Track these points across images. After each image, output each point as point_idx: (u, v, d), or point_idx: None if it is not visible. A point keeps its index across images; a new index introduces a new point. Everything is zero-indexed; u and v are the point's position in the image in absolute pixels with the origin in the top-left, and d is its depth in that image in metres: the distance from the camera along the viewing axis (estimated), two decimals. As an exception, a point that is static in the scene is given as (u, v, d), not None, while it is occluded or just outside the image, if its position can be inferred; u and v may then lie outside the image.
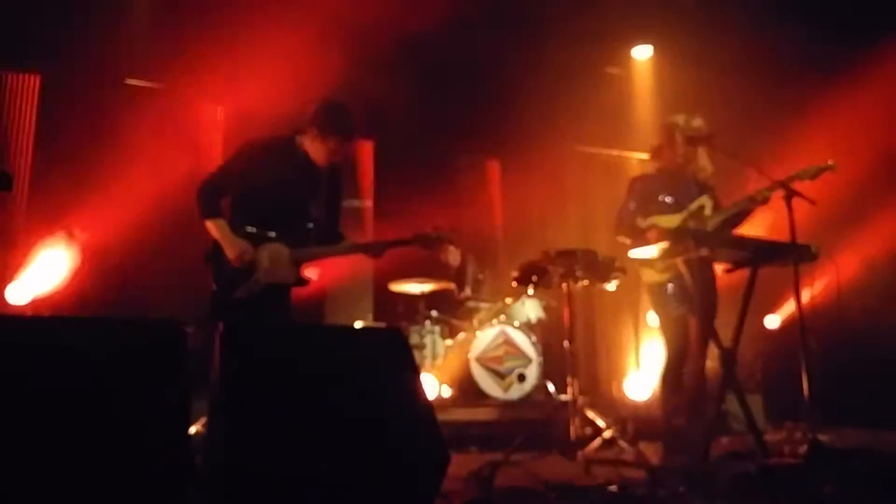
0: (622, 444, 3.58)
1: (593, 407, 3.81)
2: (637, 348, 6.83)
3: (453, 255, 7.35)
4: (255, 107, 6.27)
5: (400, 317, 6.76)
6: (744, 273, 3.73)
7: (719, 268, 4.05)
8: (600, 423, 3.69)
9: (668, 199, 4.10)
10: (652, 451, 3.65)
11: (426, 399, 2.45)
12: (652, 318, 6.66)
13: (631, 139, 7.63)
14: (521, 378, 6.03)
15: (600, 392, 6.28)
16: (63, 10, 5.91)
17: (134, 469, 1.95)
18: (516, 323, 6.26)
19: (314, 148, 3.67)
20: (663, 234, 3.74)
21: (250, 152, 3.67)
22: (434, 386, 5.94)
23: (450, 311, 6.79)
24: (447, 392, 6.08)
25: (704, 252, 3.74)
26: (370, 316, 7.74)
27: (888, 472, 3.00)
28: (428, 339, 6.46)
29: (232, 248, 3.49)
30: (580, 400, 3.69)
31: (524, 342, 6.13)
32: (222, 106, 7.32)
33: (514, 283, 4.22)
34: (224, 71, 6.50)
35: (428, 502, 2.27)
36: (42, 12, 5.88)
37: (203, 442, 2.44)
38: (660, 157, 4.24)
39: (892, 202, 6.05)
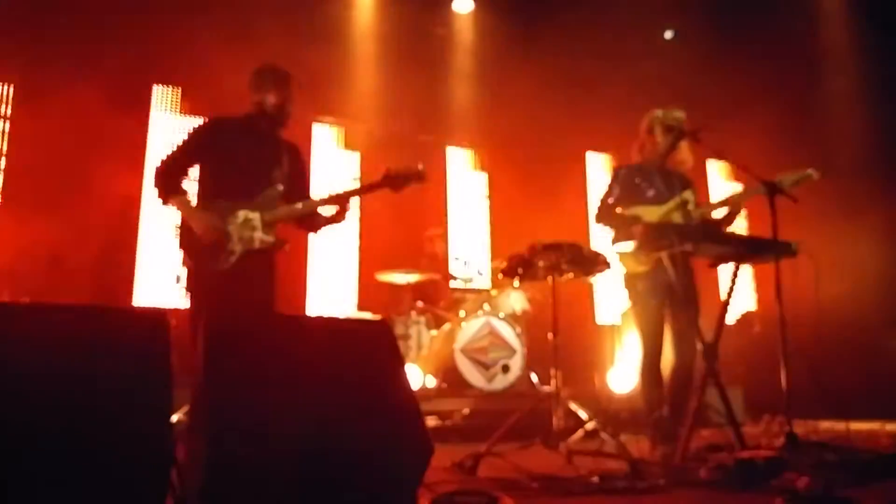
0: (604, 435, 3.62)
1: (576, 399, 3.85)
2: (620, 341, 6.89)
3: (440, 246, 7.38)
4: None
5: (385, 307, 6.78)
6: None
7: (703, 263, 4.09)
8: (583, 414, 3.72)
9: (651, 192, 4.12)
10: (633, 443, 3.69)
11: (410, 390, 2.46)
12: (625, 312, 6.75)
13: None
14: (506, 369, 6.07)
15: (583, 384, 6.33)
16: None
17: (116, 457, 1.95)
18: (501, 314, 6.30)
19: (263, 112, 3.72)
20: (647, 228, 3.77)
21: (204, 128, 3.78)
22: (419, 376, 5.97)
23: (435, 301, 6.82)
24: (432, 382, 6.12)
25: (688, 247, 3.78)
26: (355, 306, 7.76)
27: (861, 464, 3.07)
28: (413, 330, 6.49)
29: (199, 222, 3.51)
30: (563, 392, 3.73)
31: (509, 334, 6.17)
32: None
33: (500, 276, 4.24)
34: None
35: (411, 492, 2.29)
36: None
37: (185, 431, 2.44)
38: (641, 151, 4.27)
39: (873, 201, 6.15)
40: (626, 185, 4.17)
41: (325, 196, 3.75)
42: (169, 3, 6.67)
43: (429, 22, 8.03)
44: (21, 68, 6.44)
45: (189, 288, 3.60)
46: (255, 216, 3.59)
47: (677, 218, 4.03)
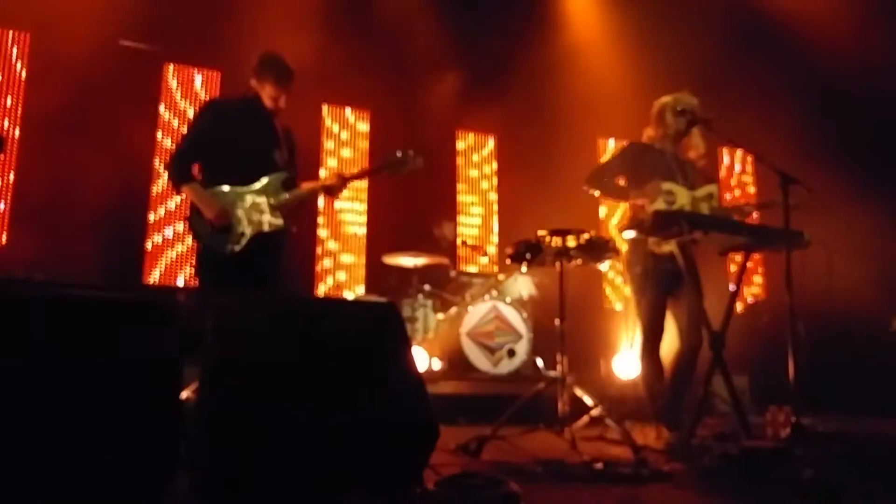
0: (609, 422, 3.62)
1: (581, 385, 3.84)
2: (628, 328, 6.88)
3: (449, 229, 7.38)
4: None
5: (393, 290, 6.79)
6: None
7: (711, 251, 4.07)
8: (588, 400, 3.72)
9: (660, 170, 4.08)
10: (638, 430, 3.70)
11: (417, 372, 2.46)
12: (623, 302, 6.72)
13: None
14: (511, 354, 6.07)
15: (589, 370, 6.33)
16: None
17: (128, 432, 1.96)
18: (508, 299, 6.29)
19: (263, 97, 3.79)
20: (658, 215, 3.75)
21: (210, 113, 3.82)
22: (425, 359, 5.98)
23: (442, 285, 6.82)
24: (437, 365, 6.13)
25: (698, 235, 3.76)
26: (363, 288, 7.77)
27: (868, 458, 3.06)
28: (420, 313, 6.50)
29: (209, 207, 3.60)
30: (569, 377, 3.73)
31: (515, 318, 6.17)
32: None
33: (508, 260, 4.23)
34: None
35: (417, 474, 2.29)
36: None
37: (194, 408, 2.45)
38: (652, 137, 4.24)
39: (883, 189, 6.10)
40: (634, 159, 4.13)
41: (330, 180, 3.87)
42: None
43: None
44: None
45: (199, 270, 3.69)
46: (262, 200, 3.68)
47: (704, 208, 4.01)
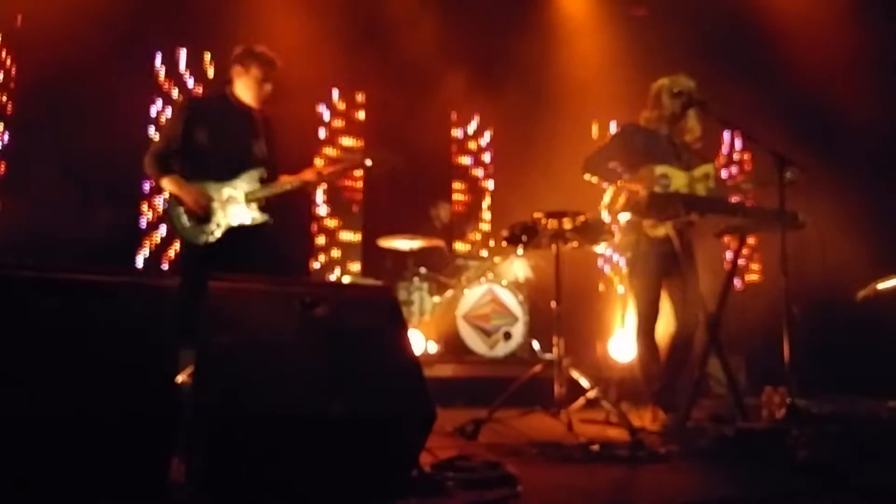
0: (605, 404, 3.63)
1: (578, 367, 3.85)
2: (623, 310, 6.89)
3: (444, 210, 7.38)
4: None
5: (389, 273, 6.78)
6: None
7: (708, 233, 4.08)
8: (584, 383, 3.73)
9: (656, 152, 4.07)
10: (634, 412, 3.71)
11: (413, 355, 2.46)
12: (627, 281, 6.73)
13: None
14: (507, 336, 6.08)
15: (585, 352, 6.34)
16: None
17: (124, 416, 1.96)
18: (504, 282, 6.29)
19: (244, 88, 3.88)
20: (653, 197, 3.74)
21: (188, 110, 3.88)
22: (421, 342, 5.99)
23: (438, 268, 6.81)
24: (434, 348, 6.14)
25: (694, 217, 3.76)
26: (359, 271, 7.77)
27: (862, 438, 3.08)
28: (416, 296, 6.49)
29: (188, 195, 3.70)
30: (565, 360, 3.73)
31: (511, 301, 6.17)
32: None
33: (504, 243, 4.22)
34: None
35: (413, 457, 2.29)
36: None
37: (189, 392, 2.45)
38: (648, 120, 4.23)
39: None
40: (628, 142, 4.12)
41: (306, 177, 3.94)
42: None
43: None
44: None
45: (179, 261, 3.73)
46: (238, 194, 3.79)
47: (701, 189, 4.00)
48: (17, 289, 2.02)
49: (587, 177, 4.16)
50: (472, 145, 8.74)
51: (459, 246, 7.63)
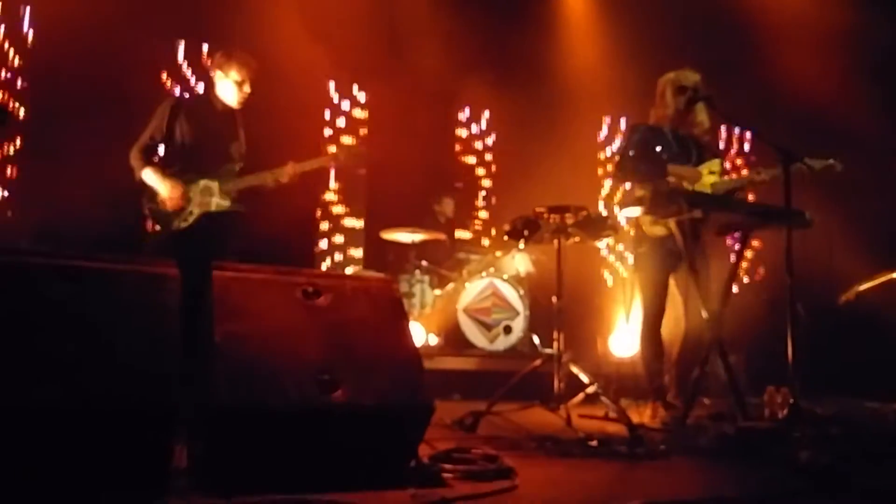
0: (604, 399, 3.61)
1: (577, 362, 3.83)
2: (625, 306, 6.88)
3: (448, 206, 7.37)
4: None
5: (390, 265, 6.77)
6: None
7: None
8: (584, 378, 3.71)
9: (664, 155, 4.07)
10: (634, 409, 3.69)
11: (414, 347, 2.45)
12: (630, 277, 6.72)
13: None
14: (508, 330, 6.07)
15: (586, 348, 6.33)
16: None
17: (128, 403, 1.95)
18: (505, 276, 6.28)
19: (224, 90, 4.10)
20: (656, 194, 3.72)
21: (169, 109, 4.08)
22: (421, 334, 5.98)
23: (440, 261, 6.80)
24: (434, 341, 6.13)
25: (697, 214, 3.73)
26: (361, 264, 7.76)
27: (865, 440, 3.06)
28: (417, 289, 6.49)
29: (164, 186, 3.93)
30: (565, 355, 3.71)
31: (512, 295, 6.16)
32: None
33: (505, 237, 4.20)
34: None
35: (412, 448, 2.28)
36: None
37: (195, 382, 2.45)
38: (655, 115, 4.22)
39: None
40: (642, 142, 4.11)
41: (279, 173, 4.09)
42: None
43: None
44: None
45: (154, 247, 3.98)
46: (213, 185, 4.02)
47: (705, 186, 3.99)
48: (26, 274, 2.03)
49: (622, 183, 4.17)
50: (477, 145, 8.73)
51: (463, 234, 7.60)
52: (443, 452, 2.47)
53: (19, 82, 6.35)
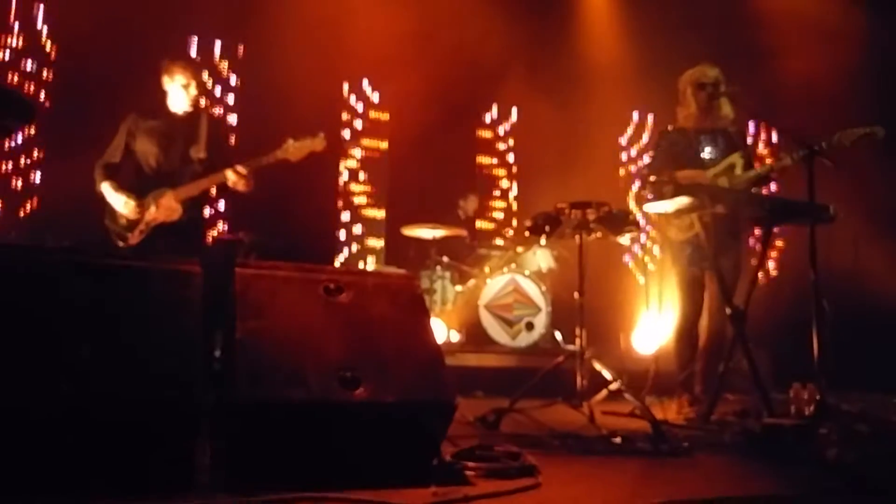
0: (628, 396, 3.59)
1: (600, 359, 3.81)
2: (647, 302, 6.83)
3: (472, 203, 7.38)
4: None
5: (411, 261, 6.78)
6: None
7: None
8: (607, 375, 3.69)
9: (698, 153, 4.09)
10: (657, 406, 3.67)
11: (436, 344, 2.45)
12: (654, 273, 6.70)
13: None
14: (530, 327, 6.06)
15: (608, 344, 6.30)
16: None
17: (152, 400, 1.98)
18: (527, 272, 6.27)
19: (174, 97, 4.11)
20: (678, 189, 3.70)
21: (127, 127, 4.12)
22: (443, 331, 5.99)
23: (461, 257, 6.80)
24: (456, 337, 6.13)
25: (720, 209, 3.70)
26: (382, 259, 7.79)
27: (894, 437, 3.01)
28: (438, 285, 6.50)
29: (118, 201, 3.96)
30: (587, 351, 3.70)
31: (534, 291, 6.15)
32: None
33: (527, 233, 4.19)
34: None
35: (435, 445, 2.29)
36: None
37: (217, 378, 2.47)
38: (680, 115, 4.23)
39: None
40: (669, 149, 4.14)
41: (226, 170, 4.00)
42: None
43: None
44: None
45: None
46: (168, 192, 3.99)
47: (724, 182, 3.97)
48: (48, 271, 2.07)
49: (649, 194, 4.16)
50: (500, 145, 8.73)
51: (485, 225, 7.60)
52: (465, 450, 2.46)
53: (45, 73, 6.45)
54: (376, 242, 7.92)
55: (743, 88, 3.98)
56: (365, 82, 8.07)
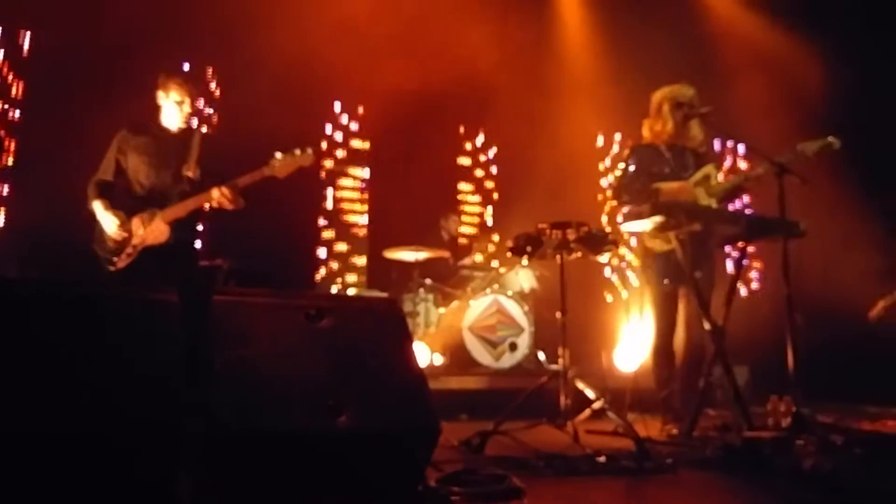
0: (611, 415, 3.63)
1: (583, 378, 3.85)
2: (628, 319, 6.89)
3: (454, 224, 7.41)
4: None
5: (394, 284, 6.80)
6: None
7: None
8: (590, 393, 3.73)
9: (665, 170, 4.15)
10: (640, 423, 3.71)
11: (419, 368, 2.46)
12: (634, 291, 6.75)
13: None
14: (513, 347, 6.09)
15: (591, 363, 6.34)
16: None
17: (131, 431, 1.97)
18: (509, 292, 6.30)
19: (168, 113, 4.08)
20: (655, 208, 3.76)
21: (117, 142, 4.07)
22: (426, 354, 5.99)
23: (443, 279, 6.83)
24: (439, 360, 6.14)
25: (697, 227, 3.77)
26: (364, 283, 7.80)
27: (869, 447, 3.07)
28: (421, 307, 6.51)
29: (107, 220, 3.89)
30: (570, 370, 3.73)
31: (517, 311, 6.18)
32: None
33: (509, 254, 4.24)
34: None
35: (420, 471, 2.30)
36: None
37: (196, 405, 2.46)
38: (652, 129, 4.28)
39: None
40: (641, 163, 4.19)
41: (213, 188, 3.92)
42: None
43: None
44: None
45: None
46: (156, 214, 3.91)
47: (700, 193, 4.04)
48: (24, 303, 2.05)
49: (622, 206, 4.23)
50: (479, 169, 8.83)
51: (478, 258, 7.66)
52: (451, 474, 2.48)
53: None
54: (359, 260, 7.93)
55: (715, 109, 4.05)
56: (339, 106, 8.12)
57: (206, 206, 4.04)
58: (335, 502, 2.05)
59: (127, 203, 3.96)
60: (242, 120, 6.39)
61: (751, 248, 5.16)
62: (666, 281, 4.06)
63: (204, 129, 5.23)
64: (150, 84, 4.42)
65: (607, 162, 8.88)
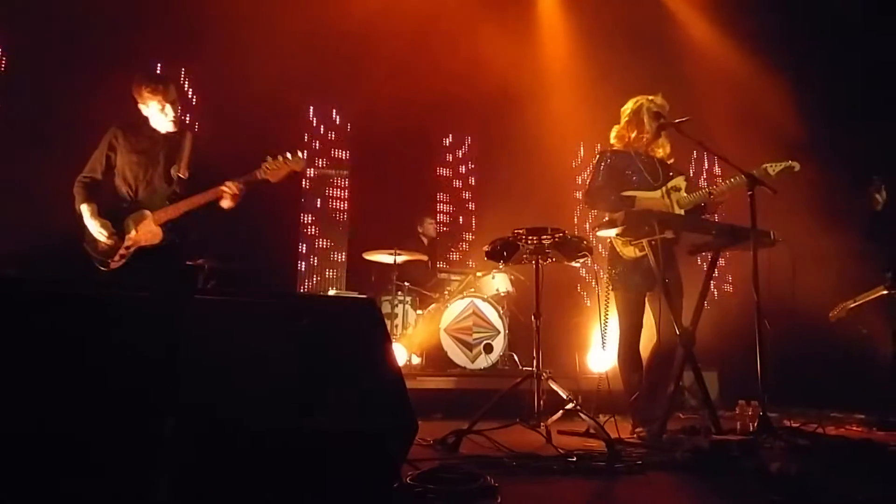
0: (583, 416, 3.69)
1: (556, 379, 3.92)
2: (601, 322, 6.97)
3: (430, 227, 7.46)
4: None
5: (373, 286, 6.83)
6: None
7: (681, 250, 4.19)
8: (563, 395, 3.80)
9: (634, 178, 4.20)
10: (611, 424, 3.77)
11: (396, 368, 2.49)
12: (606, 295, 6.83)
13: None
14: (488, 349, 6.15)
15: (564, 364, 6.42)
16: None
17: (113, 432, 1.98)
18: (486, 295, 6.36)
19: (153, 118, 4.04)
20: (629, 216, 3.84)
21: (108, 140, 4.04)
22: (404, 355, 6.04)
23: (422, 282, 6.88)
24: (416, 361, 6.19)
25: (669, 235, 3.85)
26: (343, 284, 7.82)
27: (832, 450, 3.16)
28: (399, 309, 6.55)
29: (94, 226, 3.85)
30: (544, 372, 3.80)
31: (492, 314, 6.25)
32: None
33: (485, 258, 4.30)
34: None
35: (395, 469, 2.33)
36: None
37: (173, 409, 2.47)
38: (623, 137, 4.32)
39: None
40: (612, 169, 4.24)
41: (206, 191, 3.96)
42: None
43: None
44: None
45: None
46: (147, 215, 3.91)
47: (672, 203, 4.11)
48: (15, 302, 2.05)
49: (592, 210, 4.29)
50: (461, 168, 8.87)
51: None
52: (426, 472, 2.51)
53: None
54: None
55: (690, 120, 4.12)
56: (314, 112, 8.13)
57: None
58: (312, 500, 2.07)
59: (116, 204, 3.93)
60: (223, 126, 6.38)
61: (721, 262, 5.25)
62: (636, 286, 4.13)
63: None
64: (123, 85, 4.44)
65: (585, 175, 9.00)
